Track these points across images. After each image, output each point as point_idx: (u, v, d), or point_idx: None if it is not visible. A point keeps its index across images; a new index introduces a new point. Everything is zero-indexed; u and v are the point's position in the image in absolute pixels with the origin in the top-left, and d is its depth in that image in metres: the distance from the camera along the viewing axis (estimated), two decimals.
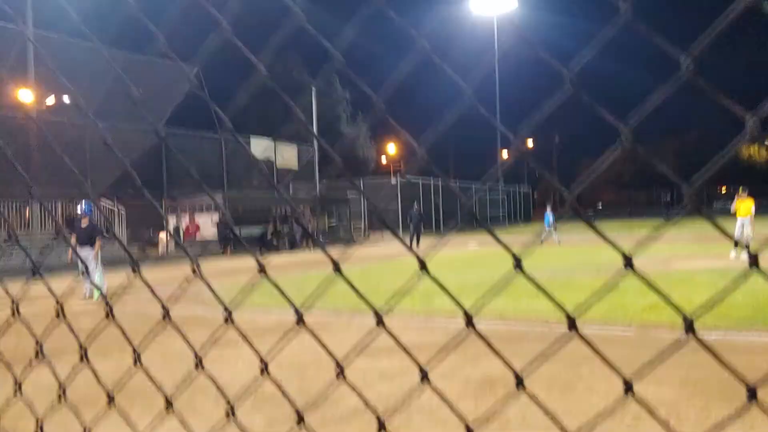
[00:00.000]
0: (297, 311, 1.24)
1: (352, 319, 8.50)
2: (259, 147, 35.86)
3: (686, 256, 16.55)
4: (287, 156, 38.37)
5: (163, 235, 32.57)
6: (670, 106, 2.41)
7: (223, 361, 5.09)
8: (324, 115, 38.37)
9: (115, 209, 31.25)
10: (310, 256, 24.15)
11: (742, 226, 18.21)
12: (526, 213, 59.59)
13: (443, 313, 8.79)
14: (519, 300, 8.71)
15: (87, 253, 12.99)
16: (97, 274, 12.88)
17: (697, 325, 0.86)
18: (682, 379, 4.62)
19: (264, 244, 30.37)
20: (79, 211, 13.37)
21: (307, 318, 1.24)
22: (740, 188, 18.89)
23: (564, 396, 4.72)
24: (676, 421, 3.78)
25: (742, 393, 0.87)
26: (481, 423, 1.14)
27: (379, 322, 1.13)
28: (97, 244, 13.15)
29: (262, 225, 31.95)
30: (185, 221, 33.73)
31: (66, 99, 31.78)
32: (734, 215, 18.27)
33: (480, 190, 45.58)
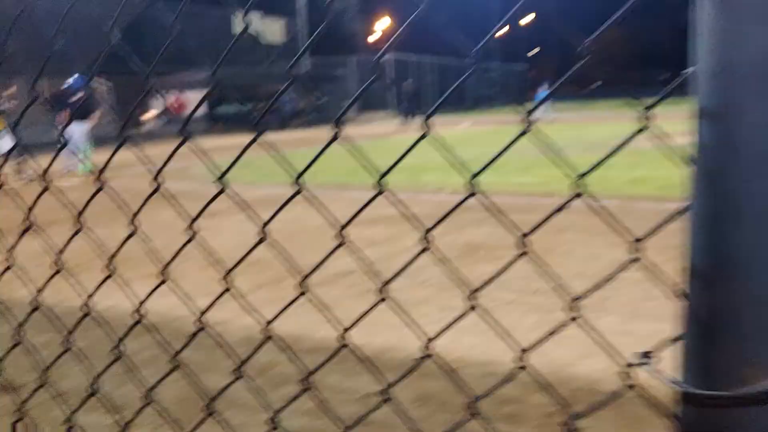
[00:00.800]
0: (297, 179, 1.24)
1: (341, 193, 8.58)
2: (251, 22, 34.61)
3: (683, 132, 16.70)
4: (273, 30, 37.34)
5: (148, 114, 32.17)
6: None
7: (208, 229, 5.15)
8: None
9: (104, 86, 30.64)
10: (300, 134, 24.05)
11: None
12: (522, 92, 58.99)
13: (431, 187, 9.09)
14: (507, 176, 9.29)
15: (80, 128, 12.72)
16: (85, 149, 12.75)
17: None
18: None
19: (252, 122, 30.04)
20: (68, 85, 12.95)
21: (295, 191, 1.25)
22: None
23: (544, 258, 4.85)
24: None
25: None
26: (477, 288, 1.17)
27: (380, 192, 1.14)
28: (97, 114, 13.00)
29: (251, 102, 31.57)
30: (172, 98, 33.32)
31: None
32: None
33: (474, 68, 44.27)
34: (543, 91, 27.99)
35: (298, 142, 17.57)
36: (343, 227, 1.21)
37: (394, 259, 5.17)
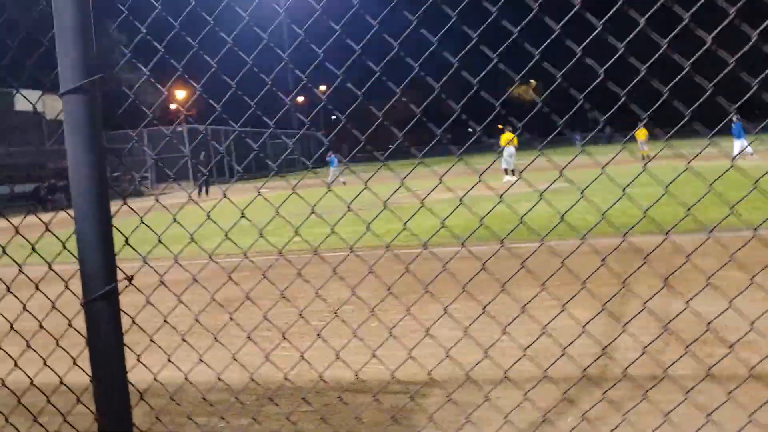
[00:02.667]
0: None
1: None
2: (31, 100, 32.32)
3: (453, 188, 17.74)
4: (57, 107, 35.08)
5: None
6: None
7: None
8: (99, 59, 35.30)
9: None
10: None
11: (510, 155, 21.65)
12: (321, 157, 60.11)
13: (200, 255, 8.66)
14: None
15: None
16: None
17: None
18: None
19: (39, 201, 27.92)
20: None
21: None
22: (499, 125, 21.93)
23: None
24: None
25: None
26: None
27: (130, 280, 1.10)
28: None
29: (36, 182, 29.26)
30: None
31: None
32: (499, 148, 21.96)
33: (273, 136, 44.92)
34: (331, 157, 29.37)
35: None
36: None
37: None
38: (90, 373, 2.09)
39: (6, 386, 2.81)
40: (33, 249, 2.59)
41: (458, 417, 3.33)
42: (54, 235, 2.52)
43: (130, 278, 2.13)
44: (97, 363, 2.03)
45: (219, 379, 2.88)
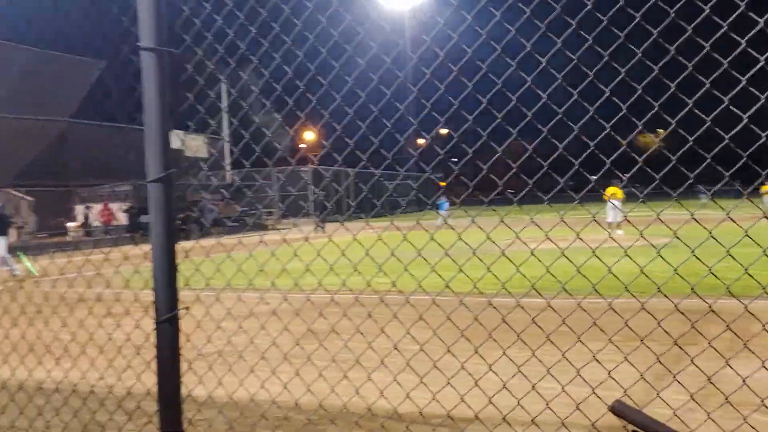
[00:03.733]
0: None
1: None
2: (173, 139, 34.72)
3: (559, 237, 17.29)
4: (195, 145, 37.42)
5: (71, 223, 31.22)
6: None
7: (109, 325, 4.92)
8: (235, 104, 37.43)
9: (23, 199, 29.68)
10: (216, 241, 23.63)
11: (613, 207, 20.55)
12: (437, 198, 60.28)
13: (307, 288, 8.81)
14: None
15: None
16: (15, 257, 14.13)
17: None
18: None
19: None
20: None
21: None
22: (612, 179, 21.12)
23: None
24: None
25: None
26: None
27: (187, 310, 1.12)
28: (12, 231, 15.53)
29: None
30: (98, 208, 32.71)
31: None
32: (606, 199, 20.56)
33: (393, 176, 45.68)
34: (441, 201, 29.36)
35: (217, 248, 17.27)
36: None
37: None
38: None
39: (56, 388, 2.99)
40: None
41: None
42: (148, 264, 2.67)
43: (187, 308, 2.58)
44: (160, 368, 2.55)
45: (296, 403, 3.42)
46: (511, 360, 3.11)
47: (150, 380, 3.02)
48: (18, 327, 3.87)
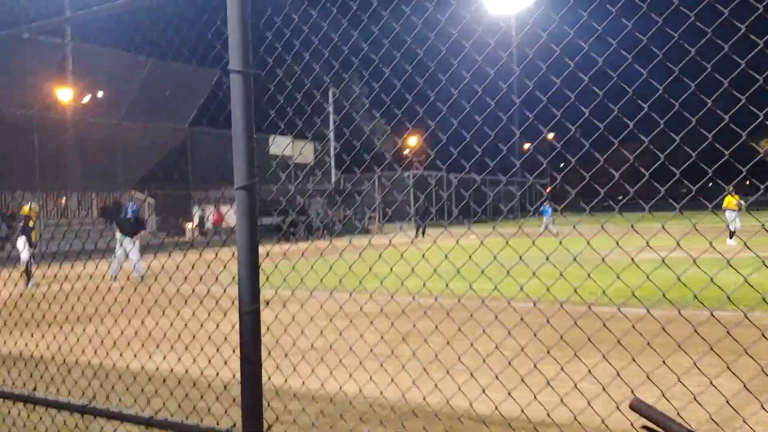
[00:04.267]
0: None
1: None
2: (281, 144, 36.03)
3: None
4: (304, 152, 38.57)
5: (188, 223, 32.90)
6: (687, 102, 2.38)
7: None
8: (340, 110, 38.34)
9: (146, 201, 31.62)
10: (323, 244, 24.28)
11: (734, 219, 19.73)
12: (540, 205, 58.99)
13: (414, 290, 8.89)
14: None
15: (130, 242, 15.52)
16: (135, 258, 15.23)
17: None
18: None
19: (282, 233, 30.61)
20: (129, 213, 16.32)
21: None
22: (729, 186, 19.89)
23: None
24: None
25: None
26: None
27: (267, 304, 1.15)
28: (141, 233, 15.91)
29: (281, 215, 32.17)
30: (211, 211, 34.30)
31: (99, 94, 31.97)
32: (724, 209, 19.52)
33: (495, 182, 45.28)
34: (545, 208, 28.70)
35: (316, 251, 17.75)
36: None
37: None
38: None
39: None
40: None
41: None
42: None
43: (267, 302, 2.76)
44: (243, 357, 2.79)
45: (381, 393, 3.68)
46: (611, 366, 3.00)
47: (227, 374, 3.40)
48: (138, 318, 4.18)
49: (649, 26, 2.42)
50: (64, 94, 30.21)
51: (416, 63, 3.00)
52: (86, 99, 32.21)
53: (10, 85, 24.93)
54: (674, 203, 2.63)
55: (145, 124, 30.99)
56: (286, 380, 4.23)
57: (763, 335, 2.35)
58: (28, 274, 14.15)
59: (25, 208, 15.17)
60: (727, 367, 2.69)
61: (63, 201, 31.11)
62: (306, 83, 3.35)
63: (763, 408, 2.66)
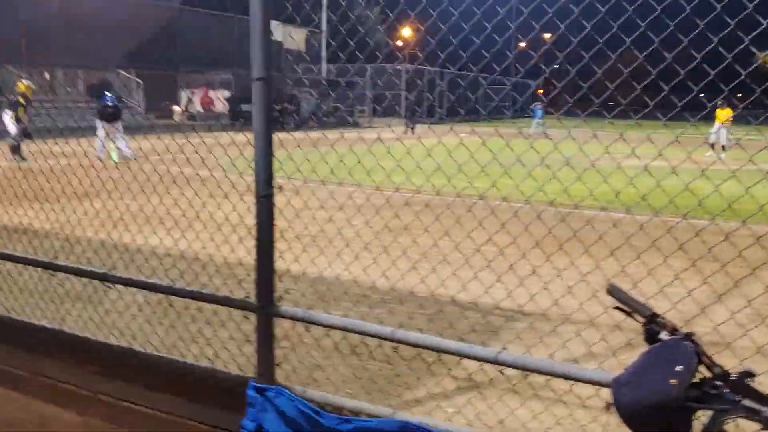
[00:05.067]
0: None
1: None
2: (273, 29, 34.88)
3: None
4: (296, 38, 37.47)
5: (176, 106, 32.40)
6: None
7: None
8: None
9: (133, 80, 30.93)
10: (312, 134, 24.11)
11: (718, 131, 19.44)
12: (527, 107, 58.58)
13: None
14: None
15: (115, 126, 15.93)
16: (122, 143, 15.17)
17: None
18: None
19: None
20: (108, 101, 16.17)
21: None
22: (718, 100, 19.36)
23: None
24: None
25: None
26: None
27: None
28: (121, 121, 16.27)
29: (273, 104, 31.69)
30: (200, 94, 33.76)
31: None
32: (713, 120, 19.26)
33: (488, 81, 44.55)
34: (535, 108, 28.43)
35: (314, 142, 17.62)
36: None
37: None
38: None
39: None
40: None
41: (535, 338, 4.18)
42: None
43: (279, 187, 2.98)
44: (260, 236, 3.00)
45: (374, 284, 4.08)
46: (592, 259, 3.12)
47: (241, 253, 3.61)
48: (135, 200, 4.20)
49: None
50: None
51: None
52: None
53: None
54: (660, 116, 2.64)
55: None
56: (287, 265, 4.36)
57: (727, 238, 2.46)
58: (15, 149, 14.00)
59: (21, 85, 14.90)
60: (693, 265, 2.84)
61: (48, 75, 30.37)
62: None
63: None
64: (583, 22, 2.59)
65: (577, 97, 3.01)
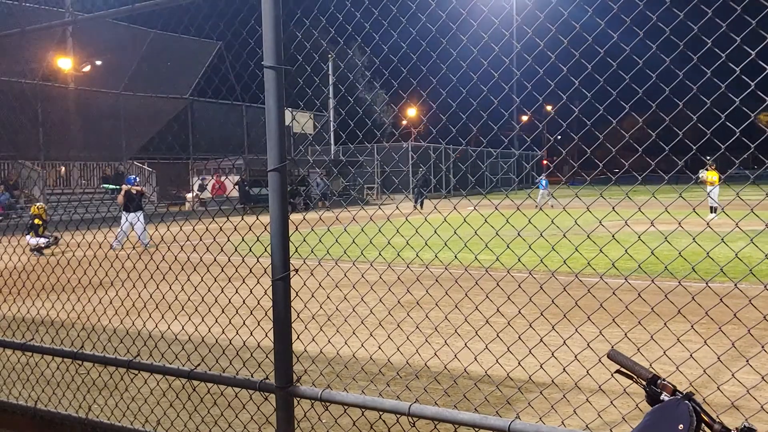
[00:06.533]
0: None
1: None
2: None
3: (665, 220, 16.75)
4: (303, 122, 38.49)
5: (188, 194, 32.96)
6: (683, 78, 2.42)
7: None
8: (341, 80, 38.07)
9: (146, 170, 31.62)
10: (326, 215, 24.38)
11: (710, 193, 19.64)
12: (534, 178, 59.00)
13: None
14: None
15: (137, 214, 16.21)
16: (140, 229, 15.85)
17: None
18: None
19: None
20: (133, 183, 16.72)
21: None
22: (708, 161, 19.69)
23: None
24: None
25: None
26: None
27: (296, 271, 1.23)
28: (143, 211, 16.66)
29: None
30: (211, 181, 34.36)
31: (98, 63, 31.68)
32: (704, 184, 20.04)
33: (493, 155, 45.11)
34: (542, 180, 28.94)
35: (326, 221, 17.85)
36: None
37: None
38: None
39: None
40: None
41: (546, 406, 4.03)
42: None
43: (296, 270, 3.11)
44: (276, 316, 3.11)
45: (389, 361, 3.78)
46: (594, 326, 3.18)
47: (259, 336, 3.76)
48: (158, 288, 4.30)
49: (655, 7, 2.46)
50: (65, 64, 29.95)
51: (415, 33, 3.06)
52: (86, 68, 31.92)
53: (11, 53, 24.75)
54: (664, 175, 2.74)
55: (146, 94, 30.85)
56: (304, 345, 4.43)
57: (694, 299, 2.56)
58: (38, 250, 14.46)
59: (34, 208, 15.62)
60: (692, 327, 2.91)
61: (63, 170, 31.13)
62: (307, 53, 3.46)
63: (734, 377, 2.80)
64: (584, 90, 2.73)
65: (581, 161, 3.13)
